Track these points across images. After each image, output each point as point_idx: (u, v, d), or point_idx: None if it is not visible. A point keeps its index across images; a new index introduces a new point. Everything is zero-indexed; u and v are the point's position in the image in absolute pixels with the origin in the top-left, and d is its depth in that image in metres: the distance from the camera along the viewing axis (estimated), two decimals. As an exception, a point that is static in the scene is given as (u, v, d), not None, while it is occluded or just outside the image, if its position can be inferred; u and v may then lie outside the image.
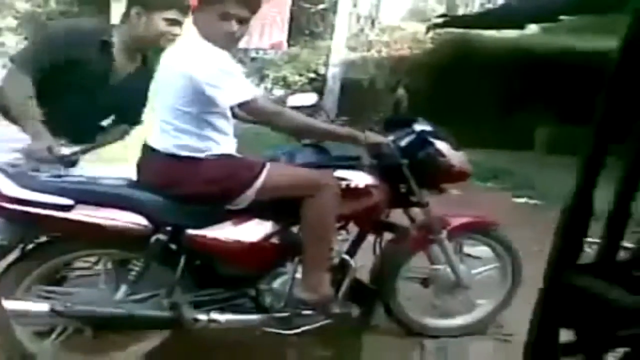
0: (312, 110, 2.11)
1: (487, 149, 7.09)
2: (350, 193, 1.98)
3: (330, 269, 2.03)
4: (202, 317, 1.83)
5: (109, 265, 1.81)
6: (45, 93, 1.90)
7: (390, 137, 2.08)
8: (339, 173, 1.99)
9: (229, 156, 1.87)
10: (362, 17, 11.06)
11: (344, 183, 1.97)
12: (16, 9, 9.94)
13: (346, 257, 2.08)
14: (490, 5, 11.88)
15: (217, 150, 1.83)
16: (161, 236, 1.75)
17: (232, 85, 1.73)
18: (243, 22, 1.81)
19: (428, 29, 9.42)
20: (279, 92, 9.64)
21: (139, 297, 1.79)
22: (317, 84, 9.63)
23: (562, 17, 7.51)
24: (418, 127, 2.15)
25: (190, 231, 1.79)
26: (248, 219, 1.87)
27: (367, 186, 2.01)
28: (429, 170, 2.11)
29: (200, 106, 1.78)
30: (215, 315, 1.85)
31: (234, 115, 1.91)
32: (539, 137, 8.21)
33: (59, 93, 1.92)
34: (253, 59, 10.10)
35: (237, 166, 1.85)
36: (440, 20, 9.10)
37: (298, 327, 1.95)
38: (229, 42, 1.81)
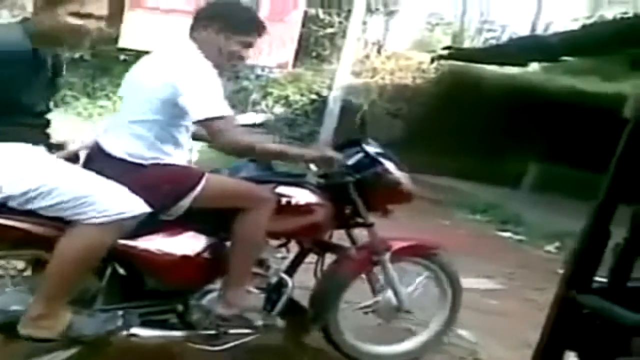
0: (260, 129, 2.09)
1: (477, 182, 7.05)
2: (291, 210, 1.95)
3: (268, 287, 2.00)
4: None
5: (21, 267, 1.74)
6: None
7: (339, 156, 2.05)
8: (281, 189, 1.95)
9: (170, 165, 1.84)
10: (369, 44, 11.13)
11: (284, 200, 1.93)
12: (28, 9, 10.10)
13: (284, 276, 2.03)
14: (494, 42, 11.97)
15: (165, 160, 1.81)
16: None
17: (207, 99, 1.72)
18: (250, 45, 1.88)
19: (432, 60, 9.47)
20: (279, 110, 9.68)
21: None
22: (318, 105, 9.66)
23: (563, 57, 7.53)
24: (367, 147, 2.13)
25: (121, 240, 1.69)
26: (182, 232, 1.82)
27: (308, 204, 1.98)
28: (376, 188, 2.08)
29: (169, 116, 1.77)
30: (135, 330, 1.76)
31: (194, 137, 1.91)
32: (529, 174, 8.16)
33: None
34: (258, 77, 10.17)
35: (176, 174, 1.82)
36: (445, 52, 9.15)
37: (224, 344, 1.89)
38: (231, 62, 1.89)
